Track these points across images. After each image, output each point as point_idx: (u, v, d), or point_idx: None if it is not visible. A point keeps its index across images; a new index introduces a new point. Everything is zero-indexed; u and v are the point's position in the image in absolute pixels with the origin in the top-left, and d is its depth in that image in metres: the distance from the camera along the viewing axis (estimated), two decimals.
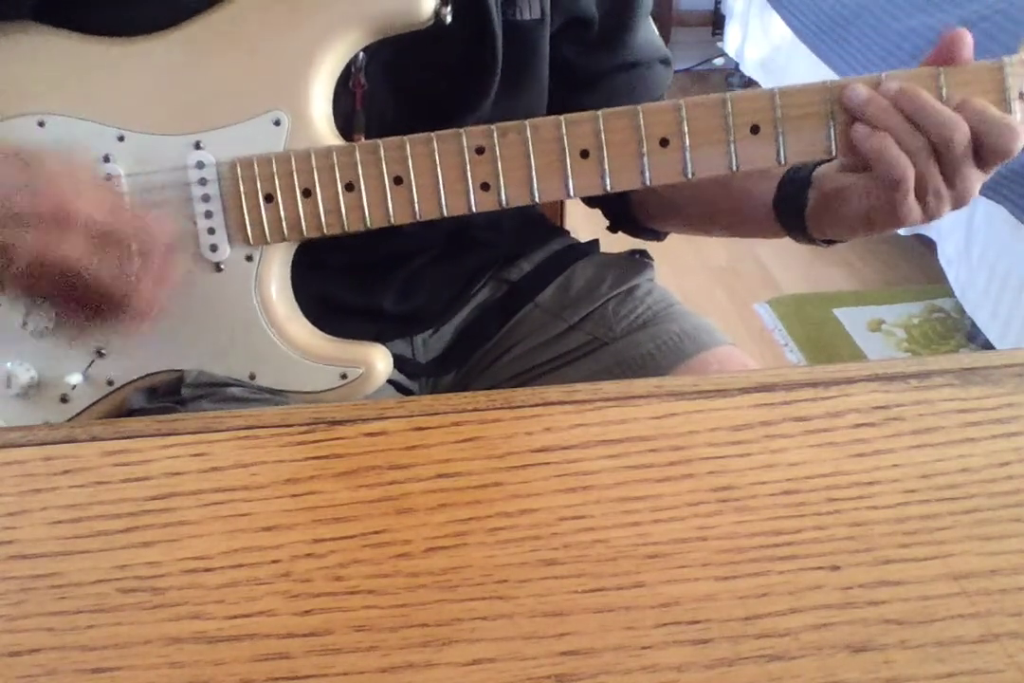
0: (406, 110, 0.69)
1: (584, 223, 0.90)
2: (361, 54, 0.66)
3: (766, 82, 2.79)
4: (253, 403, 0.66)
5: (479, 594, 0.37)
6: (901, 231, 2.02)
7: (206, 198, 0.63)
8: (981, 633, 0.35)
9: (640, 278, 0.81)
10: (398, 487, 0.43)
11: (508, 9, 0.69)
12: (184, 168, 0.63)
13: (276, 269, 0.65)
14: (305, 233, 0.63)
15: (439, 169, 0.62)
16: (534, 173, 0.62)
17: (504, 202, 0.63)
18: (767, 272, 2.27)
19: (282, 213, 0.63)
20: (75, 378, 0.66)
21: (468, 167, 0.62)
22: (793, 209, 0.67)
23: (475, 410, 0.47)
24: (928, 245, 2.02)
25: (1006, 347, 1.73)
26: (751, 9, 2.86)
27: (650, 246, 0.86)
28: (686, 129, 0.61)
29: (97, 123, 0.63)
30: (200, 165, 0.63)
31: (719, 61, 3.34)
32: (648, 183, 0.62)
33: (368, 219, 0.63)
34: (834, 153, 0.61)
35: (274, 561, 0.39)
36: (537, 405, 0.48)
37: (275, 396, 0.67)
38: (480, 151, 0.62)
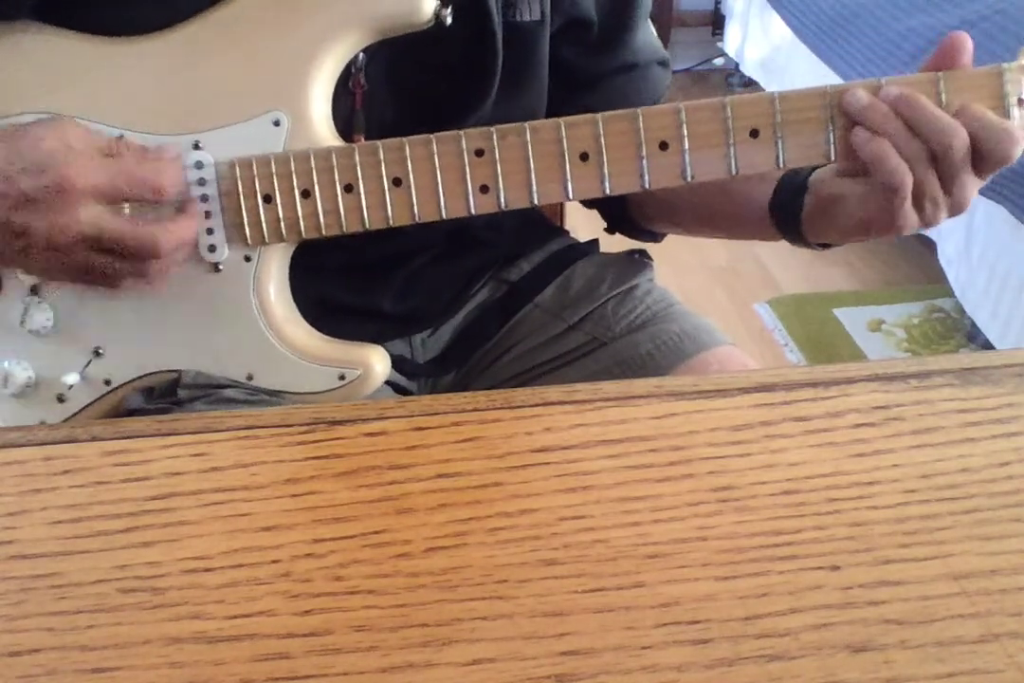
0: (406, 111, 0.69)
1: (584, 223, 0.90)
2: (361, 55, 0.66)
3: (766, 82, 2.79)
4: (250, 405, 0.66)
5: (479, 594, 0.37)
6: None
7: (204, 198, 0.63)
8: (981, 633, 0.35)
9: (640, 278, 0.81)
10: (398, 487, 0.43)
11: (508, 10, 0.69)
12: (183, 168, 0.63)
13: (274, 270, 0.65)
14: (303, 234, 0.63)
15: (438, 171, 0.62)
16: (533, 176, 0.62)
17: (503, 204, 0.63)
18: (767, 272, 2.27)
19: (281, 214, 0.63)
20: (72, 378, 0.66)
21: (467, 169, 0.62)
22: (789, 213, 0.67)
23: (475, 410, 0.47)
24: (928, 245, 2.02)
25: (1006, 347, 1.73)
26: (751, 9, 2.85)
27: (650, 246, 0.86)
28: (685, 132, 0.61)
29: (96, 123, 0.63)
30: (199, 165, 0.63)
31: (719, 61, 3.34)
32: (647, 186, 0.62)
33: (367, 220, 0.63)
34: (833, 158, 0.61)
35: (274, 561, 0.39)
36: (537, 405, 0.48)
37: (272, 397, 0.67)
38: (479, 153, 0.62)
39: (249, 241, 0.64)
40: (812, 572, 0.38)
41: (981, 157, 0.58)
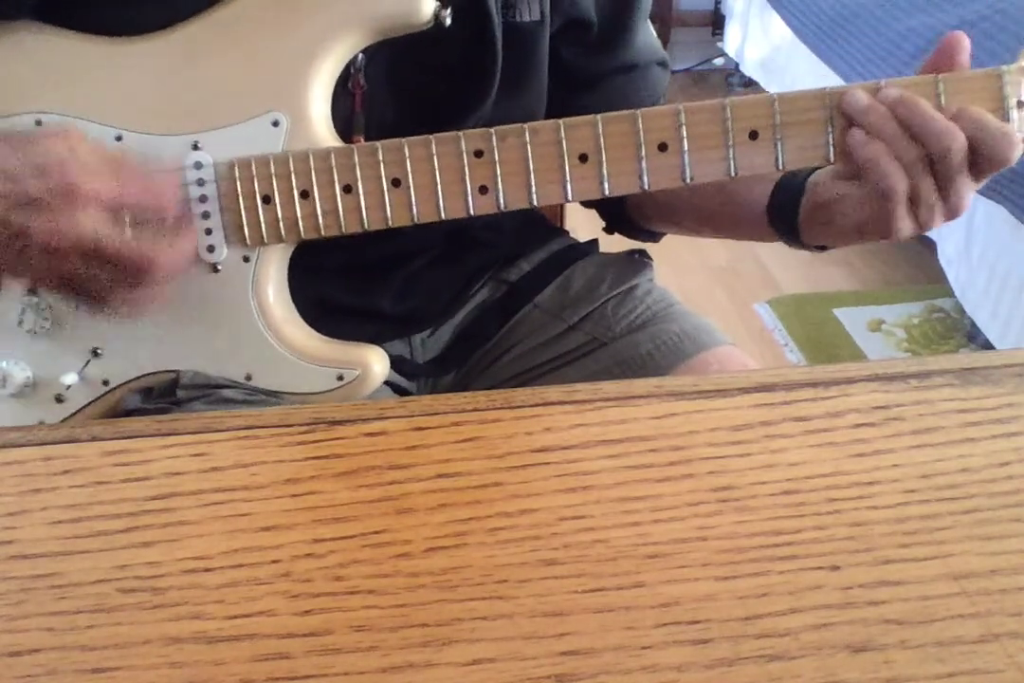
0: (405, 112, 0.69)
1: (584, 223, 0.90)
2: (360, 55, 0.66)
3: (766, 82, 2.79)
4: (248, 405, 0.66)
5: (479, 594, 0.37)
6: None
7: (203, 199, 0.63)
8: (981, 633, 0.35)
9: (639, 278, 0.81)
10: (398, 487, 0.43)
11: (508, 11, 0.69)
12: (182, 168, 0.63)
13: (273, 270, 0.65)
14: (302, 234, 0.63)
15: (437, 172, 0.62)
16: (532, 177, 0.62)
17: (502, 205, 0.63)
18: (767, 272, 2.27)
19: (279, 214, 0.63)
20: (71, 378, 0.66)
21: (466, 170, 0.62)
22: (786, 216, 0.67)
23: (475, 410, 0.47)
24: (928, 245, 2.02)
25: (1006, 347, 1.73)
26: (751, 9, 2.85)
27: (650, 246, 0.86)
28: (685, 134, 0.61)
29: (95, 122, 0.63)
30: (198, 165, 0.63)
31: (719, 61, 3.34)
32: (647, 188, 0.62)
33: (366, 221, 0.63)
34: (832, 160, 0.61)
35: (274, 561, 0.39)
36: (537, 405, 0.48)
37: (271, 398, 0.67)
38: (479, 154, 0.62)
39: (248, 241, 0.64)
40: (812, 572, 0.38)
41: (979, 160, 0.58)
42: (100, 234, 0.57)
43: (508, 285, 0.83)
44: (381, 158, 0.62)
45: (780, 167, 0.61)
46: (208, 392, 0.66)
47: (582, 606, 0.37)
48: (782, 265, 2.28)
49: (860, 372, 0.49)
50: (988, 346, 1.84)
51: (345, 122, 0.66)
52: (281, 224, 0.63)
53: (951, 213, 0.60)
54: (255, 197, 0.63)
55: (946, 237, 1.90)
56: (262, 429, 0.47)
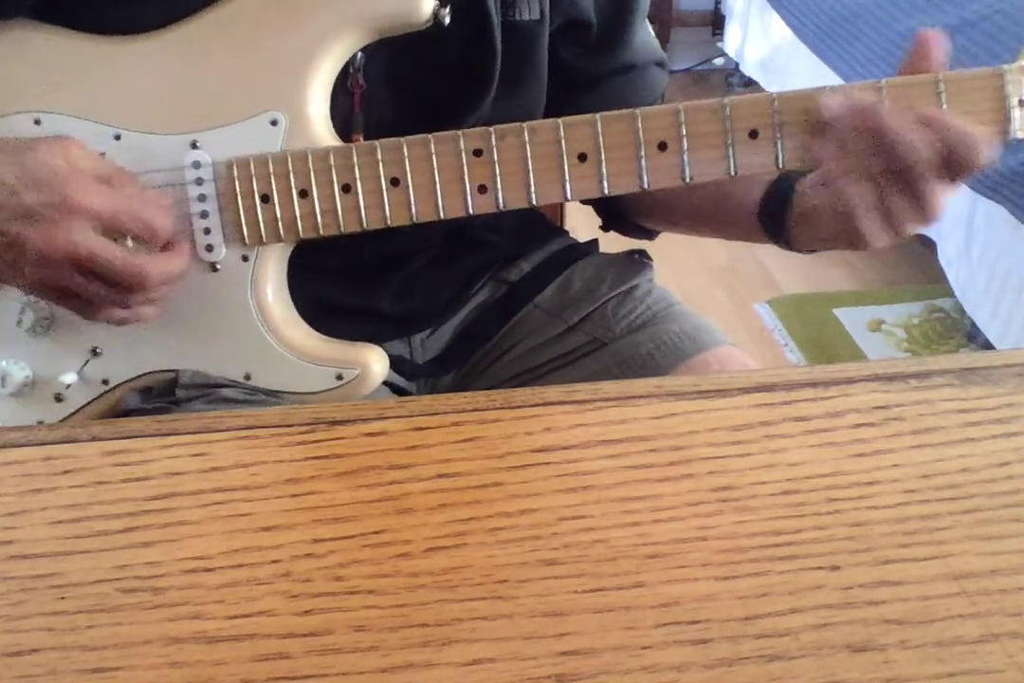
0: (405, 111, 0.69)
1: (584, 223, 0.90)
2: (360, 54, 0.65)
3: (766, 82, 2.79)
4: (247, 405, 0.66)
5: (479, 594, 0.37)
6: None
7: (202, 198, 0.63)
8: (981, 633, 0.35)
9: (639, 278, 0.81)
10: (398, 487, 0.43)
11: (507, 10, 0.69)
12: (180, 168, 0.63)
13: (272, 270, 0.65)
14: (301, 234, 0.63)
15: (436, 171, 0.62)
16: (531, 176, 0.62)
17: (501, 205, 0.63)
18: (767, 272, 2.27)
19: (278, 214, 0.63)
20: (70, 377, 0.66)
21: (465, 169, 0.62)
22: (775, 222, 0.68)
23: (475, 410, 0.47)
24: (928, 245, 2.02)
25: (1006, 347, 1.73)
26: (751, 9, 2.85)
27: (650, 246, 0.86)
28: (684, 133, 0.61)
29: (94, 122, 0.63)
30: (196, 165, 0.63)
31: (719, 61, 3.34)
32: (646, 187, 0.62)
33: (364, 221, 0.63)
34: None
35: (274, 561, 0.39)
36: (537, 405, 0.48)
37: (270, 397, 0.67)
38: (478, 153, 0.62)
39: (247, 241, 0.64)
40: (812, 572, 0.38)
41: (949, 166, 0.57)
42: (94, 246, 0.57)
43: (508, 285, 0.83)
44: (380, 157, 0.62)
45: (780, 166, 0.61)
46: (207, 391, 0.66)
47: (582, 606, 0.37)
48: (782, 265, 2.28)
49: (860, 372, 0.49)
50: (988, 346, 1.84)
51: (344, 121, 0.66)
52: (280, 223, 0.63)
53: (927, 218, 0.59)
54: (254, 196, 0.63)
55: (946, 237, 1.90)
56: (262, 429, 0.47)
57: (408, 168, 0.62)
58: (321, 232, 0.63)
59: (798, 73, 2.46)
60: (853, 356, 1.93)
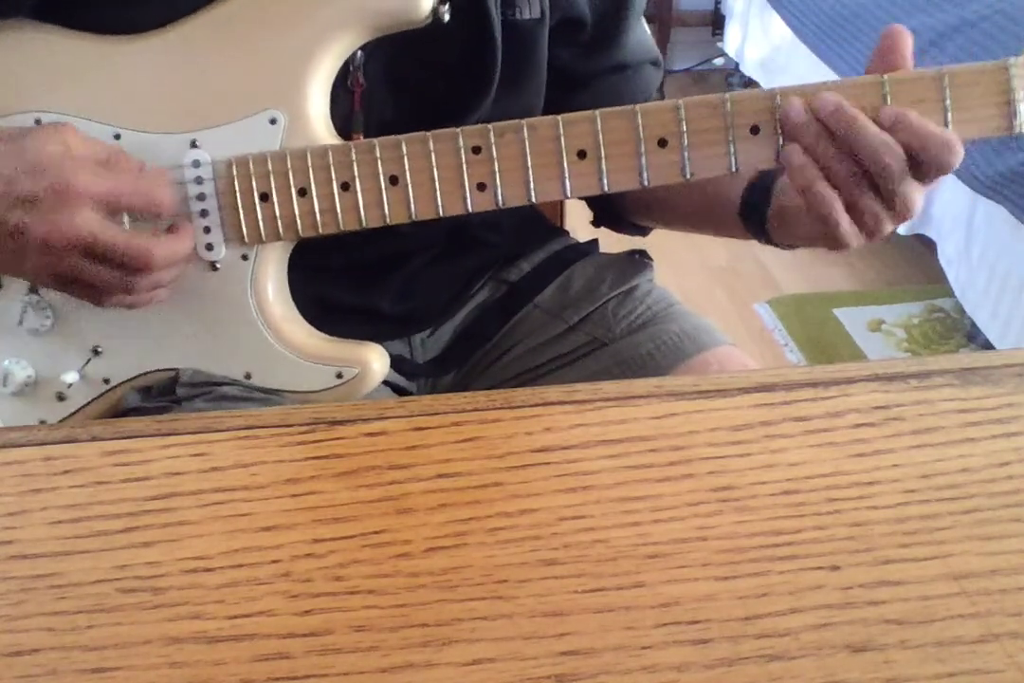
0: (405, 110, 0.69)
1: (584, 223, 0.89)
2: (359, 53, 0.65)
3: (766, 82, 2.79)
4: (248, 403, 0.66)
5: (479, 594, 0.37)
6: (901, 231, 2.01)
7: (202, 197, 0.63)
8: (981, 633, 0.35)
9: (640, 278, 0.81)
10: (398, 487, 0.43)
11: (507, 9, 0.69)
12: (180, 167, 0.63)
13: (272, 269, 0.65)
14: (301, 232, 0.63)
15: (435, 169, 0.62)
16: (531, 173, 0.62)
17: (501, 202, 0.62)
18: (767, 272, 2.27)
19: (278, 212, 0.63)
20: (71, 376, 0.66)
21: (464, 167, 0.62)
22: (756, 217, 0.68)
23: (475, 410, 0.47)
24: (928, 245, 2.02)
25: (1006, 347, 1.73)
26: (751, 9, 2.85)
27: (650, 246, 0.86)
28: (685, 129, 0.60)
29: (93, 121, 0.63)
30: (196, 164, 0.63)
31: (719, 61, 3.34)
32: (646, 184, 0.62)
33: (364, 219, 0.63)
34: None
35: (274, 561, 0.39)
36: (537, 405, 0.48)
37: (271, 396, 0.67)
38: (477, 151, 0.61)
39: (246, 239, 0.64)
40: (812, 572, 0.38)
41: (920, 167, 0.57)
42: (96, 230, 0.57)
43: (508, 285, 0.83)
44: (379, 155, 0.62)
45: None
46: (208, 390, 0.66)
47: (582, 606, 0.37)
48: (782, 265, 2.28)
49: (860, 372, 0.49)
50: (988, 346, 1.84)
51: (344, 120, 0.66)
52: (279, 222, 0.63)
53: (900, 217, 0.59)
54: (253, 195, 0.63)
55: (946, 237, 1.90)
56: (262, 429, 0.47)
57: (407, 166, 0.62)
58: (320, 230, 0.63)
59: (798, 73, 2.46)
60: (853, 356, 1.93)
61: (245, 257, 0.65)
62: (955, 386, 0.48)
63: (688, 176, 0.61)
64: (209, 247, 0.64)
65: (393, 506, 0.42)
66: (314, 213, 0.63)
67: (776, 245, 0.69)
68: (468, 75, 0.69)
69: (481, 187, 0.62)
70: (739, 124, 0.60)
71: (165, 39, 0.63)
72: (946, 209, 1.88)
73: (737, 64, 3.08)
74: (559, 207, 0.95)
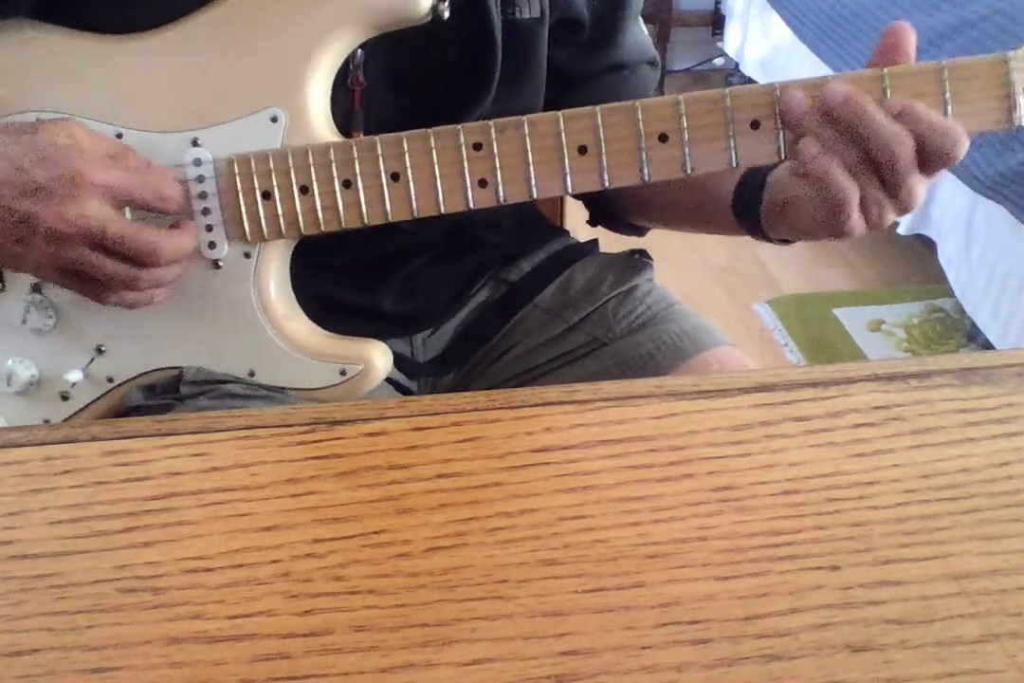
0: (405, 109, 0.69)
1: (584, 223, 0.90)
2: (359, 52, 0.66)
3: (766, 82, 2.78)
4: (252, 400, 0.66)
5: (479, 594, 0.37)
6: (901, 231, 2.02)
7: (203, 195, 0.63)
8: (981, 633, 0.35)
9: (640, 278, 0.81)
10: (398, 487, 0.43)
11: (507, 8, 0.69)
12: (182, 165, 0.63)
13: (274, 266, 0.65)
14: (303, 230, 0.63)
15: (436, 166, 0.62)
16: (532, 170, 0.62)
17: (502, 199, 0.62)
18: (767, 272, 2.27)
19: (279, 210, 0.63)
20: (75, 375, 0.66)
21: (465, 164, 0.62)
22: (750, 212, 0.68)
23: (475, 410, 0.47)
24: (928, 245, 2.02)
25: (1006, 347, 1.73)
26: (751, 9, 2.85)
27: (650, 246, 0.86)
28: (685, 124, 0.60)
29: (95, 120, 0.63)
30: (197, 162, 0.63)
31: (719, 61, 3.34)
32: (647, 179, 0.62)
33: (365, 216, 0.63)
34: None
35: (274, 561, 0.39)
36: (537, 405, 0.48)
37: (274, 393, 0.67)
38: (478, 147, 0.61)
39: (248, 237, 0.64)
40: (812, 572, 0.38)
41: (926, 158, 0.57)
42: (105, 221, 0.57)
43: (508, 285, 0.83)
44: (380, 152, 0.62)
45: (783, 157, 0.61)
46: (212, 388, 0.66)
47: (582, 606, 0.37)
48: (782, 265, 2.27)
49: (860, 372, 0.49)
50: (988, 346, 1.84)
51: (345, 119, 0.66)
52: (281, 219, 0.63)
53: (903, 209, 0.59)
54: (255, 193, 0.63)
55: (946, 237, 1.90)
56: (262, 429, 0.47)
57: (408, 163, 0.62)
58: (322, 228, 0.63)
59: (798, 73, 2.46)
60: (853, 356, 1.93)
61: (248, 255, 0.65)
62: (955, 386, 0.48)
63: (689, 171, 0.61)
64: (211, 245, 0.64)
65: (393, 506, 0.42)
66: (316, 210, 0.63)
67: (770, 240, 0.69)
68: (468, 74, 0.69)
69: (482, 183, 0.62)
70: (739, 119, 0.60)
71: (165, 38, 0.63)
72: (946, 209, 1.88)
73: (737, 64, 3.09)
74: (559, 207, 0.95)
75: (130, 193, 0.58)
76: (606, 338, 0.77)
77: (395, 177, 0.62)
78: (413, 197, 0.62)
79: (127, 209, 0.61)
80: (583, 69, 0.77)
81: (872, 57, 0.61)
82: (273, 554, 0.40)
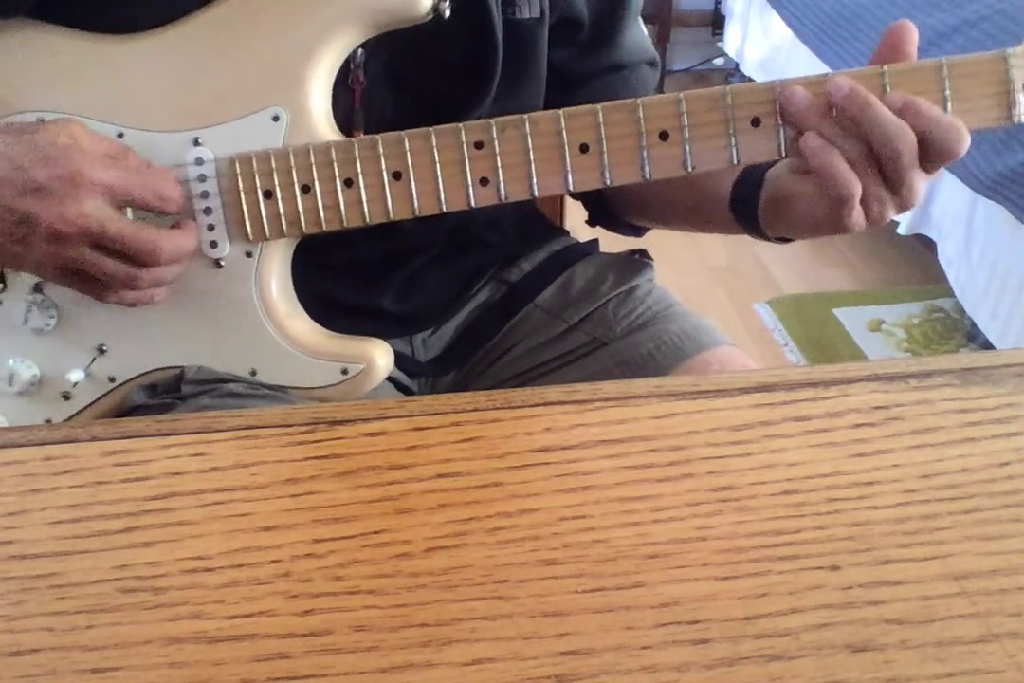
0: (405, 108, 0.69)
1: (584, 223, 0.90)
2: (360, 51, 0.66)
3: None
4: (253, 399, 0.66)
5: (479, 594, 0.37)
6: (901, 231, 2.02)
7: (205, 195, 0.63)
8: (981, 633, 0.35)
9: (640, 278, 0.81)
10: (398, 487, 0.43)
11: (508, 8, 0.69)
12: (183, 165, 0.63)
13: (276, 266, 0.65)
14: (304, 229, 0.63)
15: (438, 164, 0.62)
16: (533, 168, 0.62)
17: (503, 197, 0.62)
18: (767, 272, 2.26)
19: (281, 209, 0.63)
20: (77, 375, 0.66)
21: (467, 162, 0.62)
22: (747, 210, 0.68)
23: (475, 410, 0.47)
24: (928, 245, 2.02)
25: (1006, 347, 1.73)
26: (751, 9, 2.85)
27: (650, 246, 0.86)
28: (686, 122, 0.60)
29: (96, 120, 0.63)
30: (199, 161, 0.63)
31: (719, 61, 3.34)
32: (648, 177, 0.62)
33: (367, 215, 0.63)
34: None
35: (274, 561, 0.39)
36: (537, 405, 0.48)
37: (276, 392, 0.67)
38: (479, 146, 0.62)
39: (250, 237, 0.64)
40: (812, 572, 0.38)
41: (928, 154, 0.57)
42: (105, 220, 0.57)
43: (509, 285, 0.83)
44: (381, 151, 0.62)
45: (783, 154, 0.61)
46: (213, 387, 0.66)
47: (582, 606, 0.37)
48: (782, 265, 2.27)
49: (860, 372, 0.49)
50: (988, 346, 1.84)
51: (345, 119, 0.66)
52: (283, 219, 0.63)
53: (904, 205, 0.59)
54: (256, 192, 0.63)
55: (946, 237, 1.90)
56: (262, 429, 0.47)
57: (410, 161, 0.62)
58: (324, 227, 0.63)
59: (798, 73, 2.43)
60: (853, 356, 1.93)
61: (249, 254, 0.65)
62: (955, 386, 0.48)
63: (690, 169, 0.61)
64: (213, 245, 0.64)
65: (393, 506, 0.42)
66: (318, 209, 0.63)
67: (768, 239, 0.69)
68: (469, 73, 0.70)
69: (484, 182, 0.62)
70: (740, 116, 0.60)
71: (166, 38, 0.63)
72: (946, 209, 1.88)
73: (737, 64, 3.08)
74: (559, 207, 0.95)
75: (130, 193, 0.59)
76: (606, 338, 0.77)
77: (397, 176, 0.62)
78: (415, 196, 0.62)
79: (128, 209, 0.61)
80: (583, 69, 0.77)
81: (873, 57, 0.61)
82: (273, 554, 0.40)
